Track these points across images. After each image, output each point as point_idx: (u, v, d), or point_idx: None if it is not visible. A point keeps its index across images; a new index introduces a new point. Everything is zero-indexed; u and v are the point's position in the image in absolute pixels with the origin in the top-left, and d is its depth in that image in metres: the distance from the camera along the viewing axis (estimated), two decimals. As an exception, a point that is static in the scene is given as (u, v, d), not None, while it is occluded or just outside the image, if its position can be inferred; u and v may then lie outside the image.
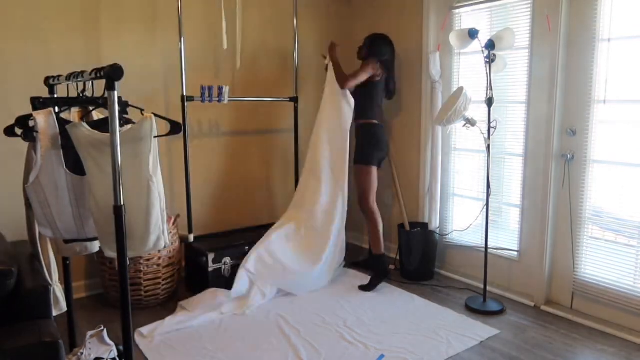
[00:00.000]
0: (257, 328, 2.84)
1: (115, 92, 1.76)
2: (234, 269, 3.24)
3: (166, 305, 3.17)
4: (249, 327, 2.85)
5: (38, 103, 2.04)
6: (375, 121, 3.47)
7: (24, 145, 2.14)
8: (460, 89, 3.06)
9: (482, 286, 3.21)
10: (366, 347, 2.65)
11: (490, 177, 3.09)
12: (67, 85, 2.29)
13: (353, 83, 3.38)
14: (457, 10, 3.52)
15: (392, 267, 3.87)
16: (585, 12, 2.85)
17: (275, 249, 3.29)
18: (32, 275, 2.00)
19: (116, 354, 2.37)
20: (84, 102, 2.15)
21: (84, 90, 2.20)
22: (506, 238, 3.38)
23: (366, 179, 3.45)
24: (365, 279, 3.54)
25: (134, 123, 2.03)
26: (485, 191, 3.11)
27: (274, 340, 2.71)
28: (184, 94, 3.29)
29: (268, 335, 2.77)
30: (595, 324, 2.86)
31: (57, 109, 2.04)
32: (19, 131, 2.06)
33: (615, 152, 2.80)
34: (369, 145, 3.45)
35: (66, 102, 2.13)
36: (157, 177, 1.94)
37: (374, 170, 3.46)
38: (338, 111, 3.50)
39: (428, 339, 2.74)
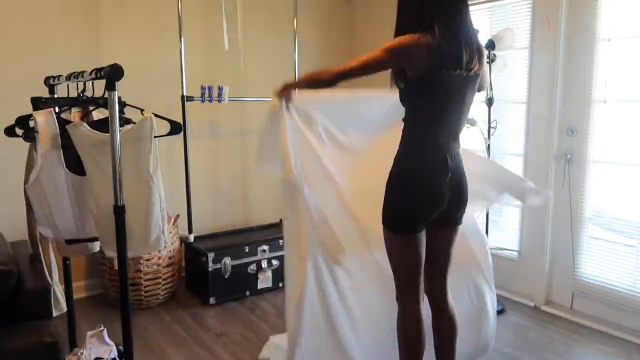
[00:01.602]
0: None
1: (116, 92, 1.77)
2: (234, 269, 3.24)
3: (166, 305, 3.17)
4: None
5: (39, 103, 2.05)
6: (409, 148, 1.93)
7: (24, 145, 2.14)
8: (460, 89, 3.05)
9: (482, 286, 3.21)
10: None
11: (490, 177, 3.09)
12: (67, 85, 2.29)
13: (338, 74, 1.84)
14: (457, 10, 3.51)
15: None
16: (585, 12, 2.84)
17: None
18: (32, 275, 2.00)
19: (116, 354, 2.37)
20: (84, 102, 2.15)
21: (84, 90, 2.20)
22: (506, 238, 3.38)
23: (388, 251, 1.99)
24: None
25: (132, 123, 2.03)
26: (485, 191, 3.10)
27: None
28: (184, 94, 3.29)
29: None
30: (595, 324, 2.86)
31: (57, 109, 2.05)
32: (19, 131, 2.06)
33: (615, 152, 2.80)
34: (388, 192, 1.95)
35: (67, 102, 2.13)
36: (157, 177, 1.94)
37: (398, 239, 1.94)
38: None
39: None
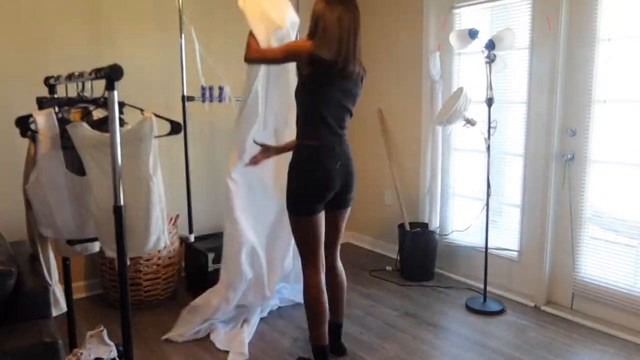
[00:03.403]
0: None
1: (115, 92, 1.76)
2: (234, 269, 3.25)
3: (166, 305, 3.17)
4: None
5: (44, 103, 2.05)
6: (303, 142, 2.30)
7: (24, 145, 2.14)
8: (460, 89, 3.05)
9: (482, 286, 3.21)
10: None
11: (490, 177, 3.09)
12: (66, 85, 2.29)
13: (257, 56, 2.37)
14: (457, 10, 3.52)
15: (389, 267, 3.87)
16: (585, 12, 2.84)
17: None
18: (32, 275, 2.00)
19: (116, 354, 2.37)
20: (85, 102, 2.15)
21: (82, 90, 2.20)
22: (506, 238, 3.38)
23: (293, 233, 2.40)
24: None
25: (127, 123, 2.04)
26: (485, 191, 3.11)
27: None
28: (184, 94, 3.29)
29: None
30: (595, 324, 2.86)
31: (57, 109, 2.05)
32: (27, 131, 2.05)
33: (615, 152, 2.80)
34: (289, 181, 2.32)
35: (68, 102, 2.13)
36: (158, 177, 1.94)
37: (300, 221, 2.31)
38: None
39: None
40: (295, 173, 2.29)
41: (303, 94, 2.29)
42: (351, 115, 2.36)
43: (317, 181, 2.26)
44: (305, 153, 2.28)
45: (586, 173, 2.93)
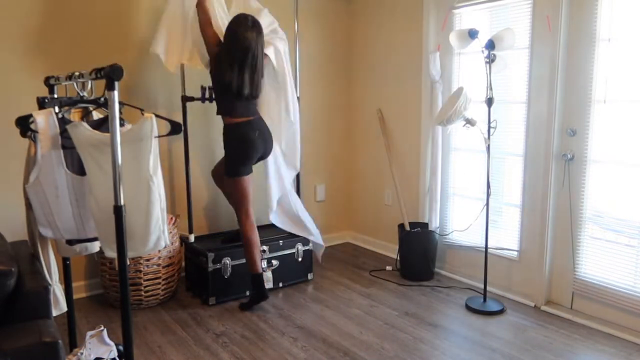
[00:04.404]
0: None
1: (116, 92, 1.76)
2: (234, 269, 3.25)
3: (166, 305, 3.17)
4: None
5: (45, 103, 2.04)
6: (232, 119, 2.98)
7: (24, 145, 2.14)
8: (460, 89, 3.06)
9: (482, 286, 3.22)
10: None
11: (490, 177, 3.09)
12: (66, 85, 2.29)
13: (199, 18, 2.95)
14: (457, 10, 3.52)
15: (389, 267, 3.87)
16: (585, 12, 2.85)
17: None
18: (32, 275, 2.00)
19: (116, 354, 2.37)
20: (85, 102, 2.15)
21: (82, 89, 2.20)
22: (506, 238, 3.38)
23: (234, 193, 3.09)
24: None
25: (128, 123, 2.04)
26: (485, 191, 3.11)
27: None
28: (184, 94, 3.29)
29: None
30: (595, 324, 2.86)
31: (57, 109, 2.04)
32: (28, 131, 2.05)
33: (615, 152, 2.80)
34: (226, 151, 3.04)
35: (69, 102, 2.13)
36: (158, 177, 1.94)
37: (239, 181, 3.03)
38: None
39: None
40: (226, 143, 2.99)
41: (216, 76, 2.97)
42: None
43: (243, 146, 2.96)
44: (228, 129, 2.97)
45: (586, 173, 2.93)
